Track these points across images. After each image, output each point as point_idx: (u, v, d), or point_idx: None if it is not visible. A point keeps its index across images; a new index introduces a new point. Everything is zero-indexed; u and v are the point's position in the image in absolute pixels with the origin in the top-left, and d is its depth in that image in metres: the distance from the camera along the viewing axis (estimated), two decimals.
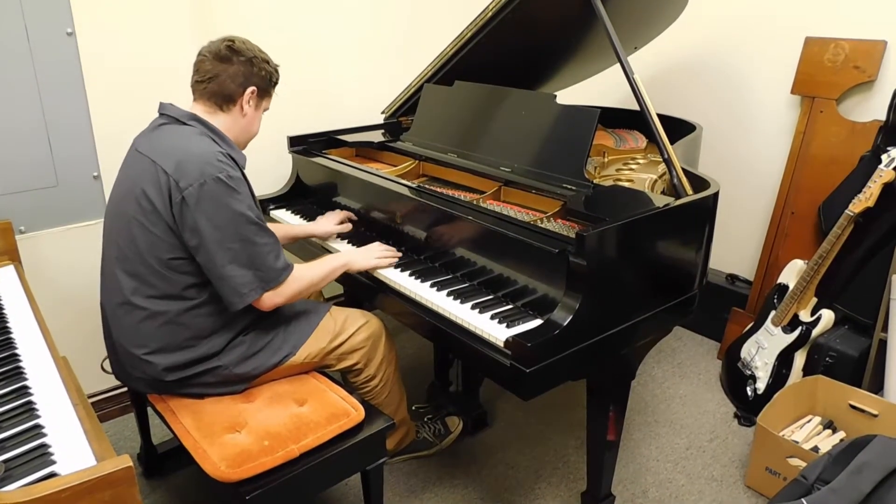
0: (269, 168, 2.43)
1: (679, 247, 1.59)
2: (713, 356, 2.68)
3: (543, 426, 2.24)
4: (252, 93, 1.53)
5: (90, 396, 2.19)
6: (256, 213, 1.45)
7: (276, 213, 2.22)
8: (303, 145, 2.29)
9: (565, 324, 1.33)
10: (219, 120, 1.52)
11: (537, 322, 1.44)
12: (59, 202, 2.01)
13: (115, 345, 1.52)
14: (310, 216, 2.15)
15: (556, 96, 1.79)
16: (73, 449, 1.07)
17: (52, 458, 1.04)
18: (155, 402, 1.57)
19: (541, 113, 1.82)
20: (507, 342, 1.36)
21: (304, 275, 1.57)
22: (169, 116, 1.49)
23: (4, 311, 1.58)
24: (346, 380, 1.77)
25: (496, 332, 1.41)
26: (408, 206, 1.82)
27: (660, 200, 1.58)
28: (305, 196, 2.29)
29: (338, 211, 2.03)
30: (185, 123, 1.47)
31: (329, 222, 1.97)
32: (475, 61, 2.16)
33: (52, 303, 2.03)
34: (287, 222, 2.15)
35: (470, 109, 2.04)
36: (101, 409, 2.23)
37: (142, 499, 1.92)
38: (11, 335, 1.46)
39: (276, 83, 1.61)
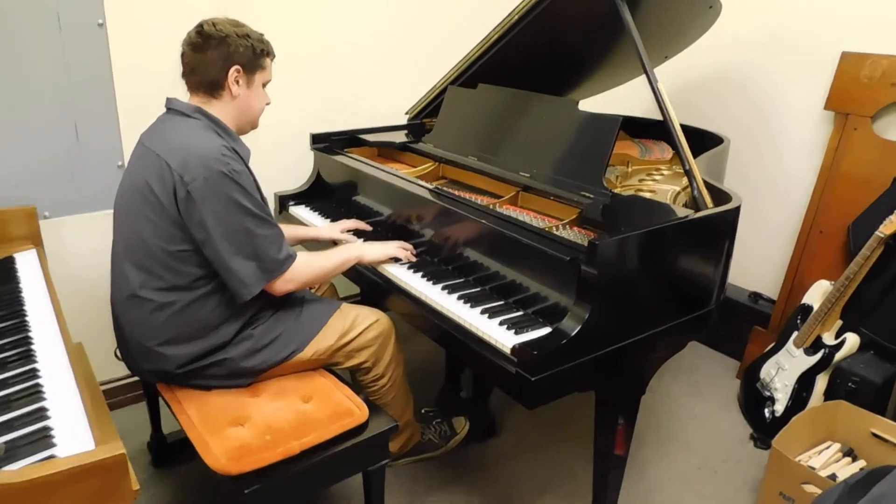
0: (290, 164, 2.45)
1: (696, 261, 1.55)
2: (732, 375, 2.62)
3: (553, 438, 2.21)
4: (237, 72, 1.48)
5: (105, 383, 2.22)
6: (260, 205, 1.45)
7: (295, 210, 2.23)
8: (325, 143, 2.30)
9: (573, 333, 1.30)
10: (215, 108, 1.51)
11: (546, 330, 1.41)
12: (84, 190, 2.05)
13: (125, 337, 1.54)
14: (329, 214, 2.16)
15: (577, 102, 1.77)
16: (74, 433, 1.08)
17: (53, 440, 1.05)
18: (163, 391, 1.58)
19: (562, 119, 1.80)
20: (513, 349, 1.34)
21: (315, 262, 1.59)
22: (174, 110, 1.50)
23: (22, 295, 1.61)
24: (354, 379, 1.77)
25: (504, 338, 1.39)
26: (423, 208, 1.81)
27: (679, 212, 1.54)
28: (326, 194, 2.30)
29: (346, 221, 2.01)
30: (189, 116, 1.48)
31: (334, 229, 1.96)
32: (500, 65, 2.15)
33: (72, 288, 2.07)
34: (306, 220, 2.16)
35: (492, 113, 2.03)
36: (115, 397, 2.26)
37: (148, 487, 1.96)
38: (27, 318, 1.48)
39: (265, 53, 1.54)
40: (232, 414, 1.47)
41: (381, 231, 1.98)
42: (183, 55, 1.49)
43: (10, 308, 1.53)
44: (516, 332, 1.41)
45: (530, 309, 1.51)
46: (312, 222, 2.12)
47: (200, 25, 1.47)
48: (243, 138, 1.60)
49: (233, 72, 1.48)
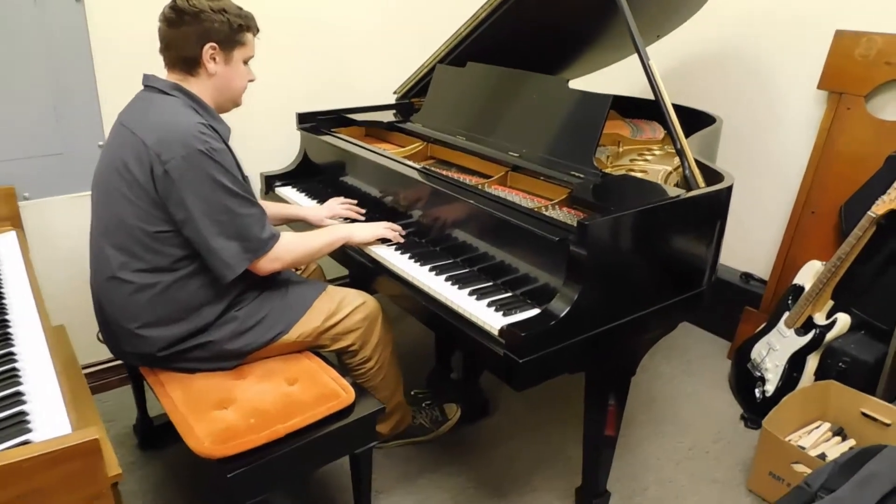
0: (276, 144, 2.40)
1: (688, 240, 1.53)
2: (723, 356, 2.61)
3: (545, 419, 2.20)
4: (213, 49, 1.43)
5: (90, 366, 2.19)
6: (241, 184, 1.42)
7: (281, 191, 2.20)
8: (312, 122, 2.26)
9: (562, 315, 1.28)
10: (193, 86, 1.47)
11: (535, 312, 1.39)
12: (64, 170, 2.00)
13: (107, 320, 1.51)
14: (316, 194, 2.12)
15: (567, 81, 1.73)
16: (51, 418, 1.05)
17: (29, 426, 1.02)
18: (146, 374, 1.56)
19: (552, 98, 1.76)
20: (501, 331, 1.32)
21: (301, 242, 1.57)
22: (152, 87, 1.45)
23: (1, 278, 1.57)
24: (341, 361, 1.74)
25: (492, 320, 1.37)
26: (411, 188, 1.78)
27: (670, 192, 1.52)
28: (312, 174, 2.26)
29: (338, 203, 1.96)
30: (167, 94, 1.43)
31: (323, 211, 1.92)
32: (489, 43, 2.11)
33: (55, 270, 2.04)
34: (292, 200, 2.12)
35: (481, 92, 1.99)
36: (100, 380, 2.24)
37: (135, 470, 1.94)
38: (4, 301, 1.45)
39: (245, 28, 1.47)
40: (216, 397, 1.44)
41: (368, 212, 1.95)
42: (159, 29, 1.44)
43: None
44: (504, 314, 1.39)
45: (519, 290, 1.49)
46: (299, 203, 2.09)
47: (174, 0, 1.42)
48: (226, 116, 1.56)
49: (208, 49, 1.43)
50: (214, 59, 1.45)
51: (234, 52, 1.48)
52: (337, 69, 2.55)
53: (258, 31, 1.55)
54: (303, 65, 2.44)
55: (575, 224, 1.37)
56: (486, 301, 1.45)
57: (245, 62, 1.53)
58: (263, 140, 2.38)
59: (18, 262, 1.68)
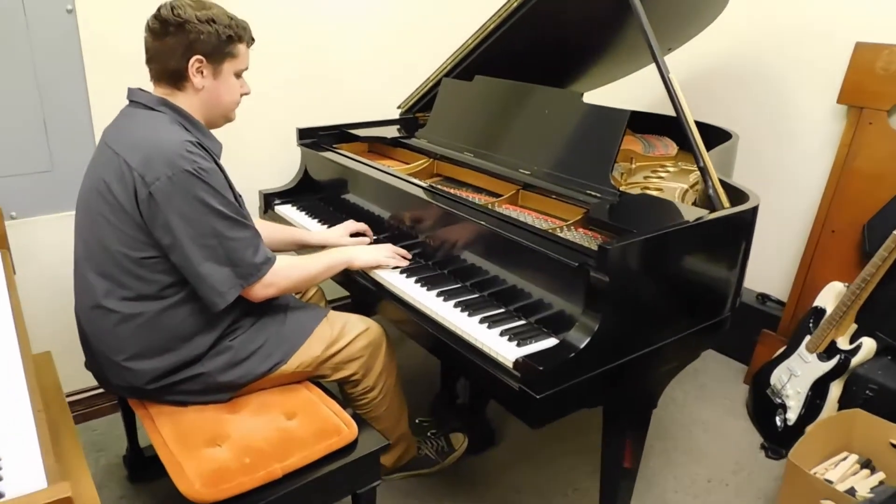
0: (276, 161, 2.32)
1: (712, 264, 1.44)
2: (740, 380, 2.51)
3: (554, 448, 2.09)
4: (199, 62, 1.33)
5: (78, 393, 2.09)
6: (231, 205, 1.33)
7: (281, 210, 2.11)
8: (312, 138, 2.18)
9: (582, 346, 1.19)
10: (180, 100, 1.37)
11: (551, 342, 1.30)
12: (54, 188, 1.91)
13: (92, 351, 1.42)
14: (317, 213, 2.04)
15: (581, 95, 1.65)
16: (24, 466, 0.95)
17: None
18: (135, 407, 1.46)
19: (565, 112, 1.68)
20: (516, 363, 1.22)
21: (298, 266, 1.48)
22: (137, 102, 1.36)
23: None
24: (342, 391, 1.65)
25: (505, 350, 1.28)
26: (416, 208, 1.69)
27: (692, 212, 1.43)
28: (314, 192, 2.18)
29: (352, 223, 1.87)
30: (153, 109, 1.34)
31: (344, 233, 1.82)
32: (498, 56, 2.03)
33: (42, 293, 1.94)
34: (293, 219, 2.03)
35: (489, 106, 1.91)
36: (91, 406, 2.14)
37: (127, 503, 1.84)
38: None
39: (236, 39, 1.36)
40: (209, 433, 1.35)
41: (373, 231, 1.86)
42: (145, 40, 1.35)
43: None
44: (519, 344, 1.30)
45: (533, 318, 1.40)
46: (300, 222, 2.00)
47: (158, 9, 1.32)
48: (223, 131, 1.47)
49: (194, 62, 1.33)
50: (202, 72, 1.35)
51: (224, 65, 1.38)
52: (338, 83, 2.47)
53: (253, 41, 1.45)
54: (302, 78, 2.36)
55: (593, 247, 1.28)
56: (499, 329, 1.35)
57: (237, 75, 1.43)
58: (262, 156, 2.29)
59: (1, 284, 1.58)
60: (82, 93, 1.89)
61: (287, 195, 2.17)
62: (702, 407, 2.36)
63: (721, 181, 1.51)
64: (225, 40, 1.35)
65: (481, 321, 1.39)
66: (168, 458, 1.29)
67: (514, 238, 1.40)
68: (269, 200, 2.15)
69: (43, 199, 1.91)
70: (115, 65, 1.90)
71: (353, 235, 1.84)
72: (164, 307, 1.34)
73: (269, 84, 2.21)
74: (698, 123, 2.11)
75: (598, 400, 1.37)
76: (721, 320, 1.50)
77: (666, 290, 1.35)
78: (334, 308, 1.73)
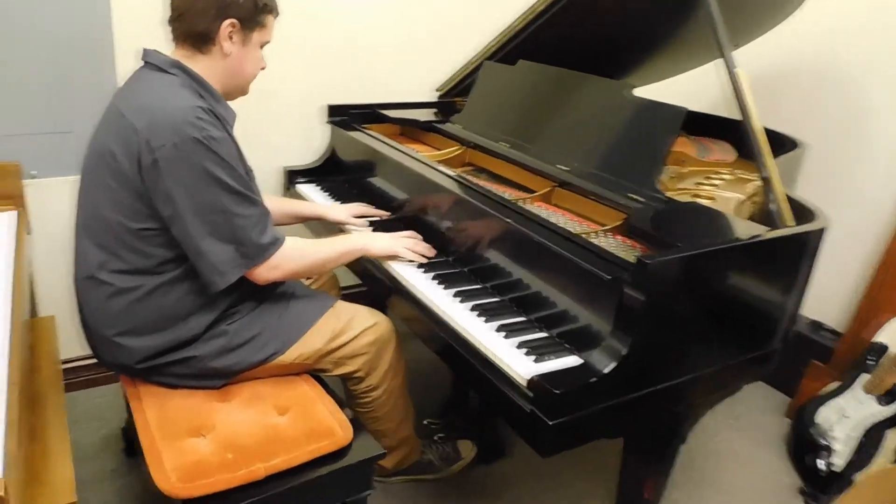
0: (304, 136, 2.21)
1: (764, 290, 1.27)
2: (780, 412, 2.31)
3: (567, 467, 1.95)
4: (231, 26, 1.25)
5: (84, 358, 2.04)
6: (241, 178, 1.23)
7: (302, 188, 2.01)
8: (343, 116, 2.07)
9: (606, 371, 1.05)
10: (200, 65, 1.28)
11: (573, 360, 1.16)
12: (76, 149, 1.85)
13: (86, 323, 1.35)
14: (339, 195, 1.93)
15: (632, 87, 1.49)
16: None
17: None
18: (125, 384, 1.38)
19: (613, 105, 1.53)
20: (530, 382, 1.09)
21: (309, 250, 1.39)
22: (151, 64, 1.28)
23: None
24: (345, 387, 1.54)
25: (520, 365, 1.14)
26: (440, 197, 1.57)
27: (747, 228, 1.26)
28: (338, 172, 2.07)
29: (359, 204, 1.78)
30: (166, 72, 1.25)
31: (345, 211, 1.73)
32: (545, 41, 1.88)
33: (54, 256, 1.89)
34: (312, 199, 1.93)
35: (530, 93, 1.76)
36: (96, 372, 2.09)
37: (116, 478, 1.77)
38: None
39: (268, 9, 1.31)
40: (194, 421, 1.25)
41: (393, 220, 1.74)
42: None
43: None
44: (536, 360, 1.16)
45: (556, 330, 1.26)
46: (321, 202, 1.90)
47: None
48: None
49: (227, 25, 1.25)
50: (232, 37, 1.27)
51: (254, 34, 1.30)
52: (375, 60, 2.33)
53: (278, 14, 1.36)
54: (338, 52, 2.23)
55: (630, 259, 1.13)
56: (516, 340, 1.22)
57: (261, 47, 1.34)
58: (288, 130, 2.19)
59: (9, 245, 1.52)
60: (109, 52, 1.82)
61: (311, 174, 2.07)
62: (735, 438, 2.17)
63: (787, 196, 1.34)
64: (261, 7, 1.29)
65: (499, 329, 1.26)
66: (148, 445, 1.21)
67: (540, 240, 1.26)
68: (291, 177, 2.05)
69: (62, 160, 1.86)
70: (145, 21, 1.80)
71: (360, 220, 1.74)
72: (160, 283, 1.26)
73: (305, 57, 2.11)
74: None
75: (618, 431, 1.22)
76: (768, 353, 1.33)
77: (709, 316, 1.19)
78: (348, 297, 1.63)
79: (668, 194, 1.62)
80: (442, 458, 1.83)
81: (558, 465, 1.96)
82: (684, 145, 2.05)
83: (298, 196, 1.99)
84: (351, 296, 1.83)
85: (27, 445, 1.22)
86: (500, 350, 1.19)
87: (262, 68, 1.38)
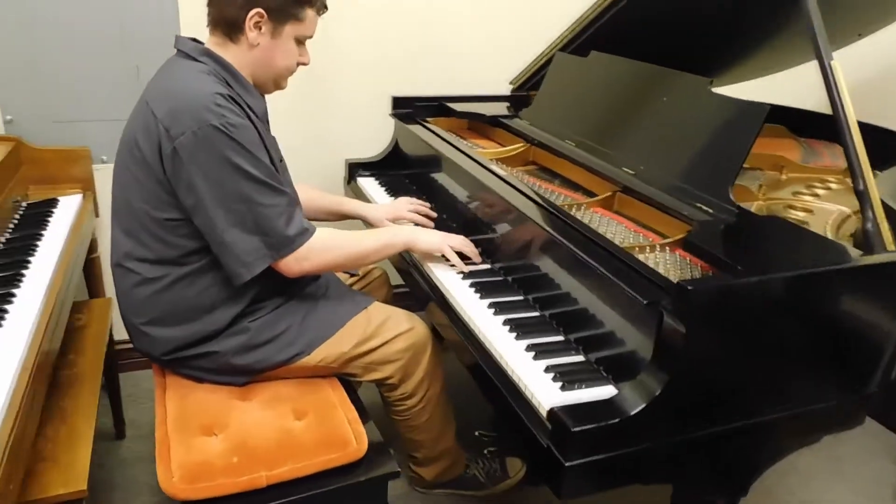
0: (372, 130, 2.16)
1: (852, 325, 1.05)
2: (892, 458, 1.99)
3: (623, 493, 1.77)
4: (259, 16, 1.20)
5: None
6: (265, 167, 1.18)
7: (362, 182, 1.97)
8: (407, 109, 2.00)
9: (633, 412, 0.90)
10: (230, 53, 1.24)
11: (607, 391, 1.01)
12: None
13: (120, 309, 1.36)
14: (396, 190, 1.87)
15: (710, 82, 1.30)
16: None
17: None
18: (155, 373, 1.38)
19: (688, 103, 1.35)
20: (550, 413, 0.96)
21: (344, 241, 1.31)
22: (181, 52, 1.26)
23: (38, 244, 1.49)
24: (380, 393, 1.48)
25: (543, 392, 1.02)
26: (486, 199, 1.46)
27: (837, 251, 1.05)
28: (401, 167, 2.00)
29: (407, 199, 1.68)
30: (195, 59, 1.23)
31: (385, 211, 1.64)
32: (621, 30, 1.71)
33: None
34: (369, 194, 1.88)
35: (601, 88, 1.61)
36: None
37: (149, 462, 1.81)
38: (23, 272, 1.35)
39: (305, 3, 1.24)
40: (210, 417, 1.23)
41: (443, 219, 1.65)
42: None
43: (13, 257, 1.41)
44: (564, 387, 1.02)
45: (594, 354, 1.11)
46: (374, 197, 1.84)
47: None
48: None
49: (253, 14, 1.20)
50: (259, 27, 1.22)
51: (286, 27, 1.25)
52: (446, 52, 2.22)
53: (325, 9, 1.30)
54: (407, 44, 2.16)
55: (680, 279, 0.97)
56: (545, 363, 1.09)
57: (300, 42, 1.29)
58: (357, 124, 2.15)
59: (66, 227, 1.59)
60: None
61: (373, 167, 2.02)
62: (834, 484, 1.89)
63: (890, 211, 1.10)
64: (293, 1, 1.23)
65: (528, 348, 1.13)
66: (161, 438, 1.19)
67: (577, 252, 1.11)
68: (353, 171, 2.01)
69: None
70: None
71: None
72: (184, 274, 1.24)
73: (373, 50, 2.07)
74: (882, 129, 1.65)
75: (660, 477, 1.06)
76: (860, 398, 1.11)
77: (773, 353, 1.00)
78: (399, 297, 1.55)
79: (757, 204, 1.42)
80: (487, 474, 1.71)
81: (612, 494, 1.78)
82: (789, 148, 1.80)
83: (359, 190, 1.94)
84: (402, 294, 1.75)
85: (56, 427, 1.26)
86: (524, 371, 1.07)
87: (304, 63, 1.33)
